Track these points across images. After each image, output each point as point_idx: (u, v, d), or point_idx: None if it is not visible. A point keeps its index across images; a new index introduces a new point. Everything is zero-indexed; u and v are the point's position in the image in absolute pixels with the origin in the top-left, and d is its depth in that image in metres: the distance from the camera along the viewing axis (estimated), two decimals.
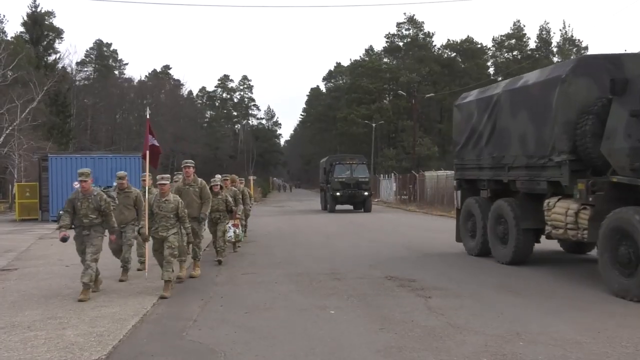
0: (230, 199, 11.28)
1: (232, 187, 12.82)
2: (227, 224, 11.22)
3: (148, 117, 10.17)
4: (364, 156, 35.22)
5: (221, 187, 11.22)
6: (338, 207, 29.73)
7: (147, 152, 9.67)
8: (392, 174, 43.44)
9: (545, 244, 11.29)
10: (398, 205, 35.91)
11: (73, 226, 8.08)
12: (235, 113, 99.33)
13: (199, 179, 9.96)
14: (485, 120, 11.19)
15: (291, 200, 48.78)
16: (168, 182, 8.48)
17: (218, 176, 12.24)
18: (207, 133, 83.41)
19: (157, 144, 10.08)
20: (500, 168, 10.71)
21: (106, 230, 8.24)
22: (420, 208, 30.76)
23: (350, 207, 30.23)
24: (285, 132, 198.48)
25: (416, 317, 6.59)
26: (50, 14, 54.69)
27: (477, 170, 11.68)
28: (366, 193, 29.20)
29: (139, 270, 9.63)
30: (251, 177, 25.10)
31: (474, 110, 11.74)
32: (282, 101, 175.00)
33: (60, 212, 8.54)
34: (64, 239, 7.94)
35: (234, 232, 11.75)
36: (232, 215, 11.45)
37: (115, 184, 10.16)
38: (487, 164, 11.19)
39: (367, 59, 76.12)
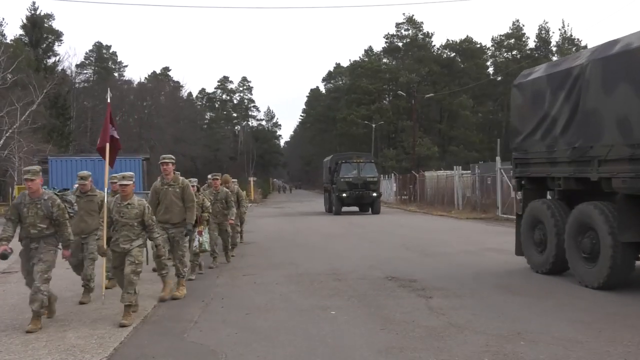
0: (208, 203, 9.92)
1: (225, 187, 11.69)
2: (193, 232, 9.18)
3: (109, 100, 8.51)
4: (371, 154, 34.48)
5: (198, 189, 9.99)
6: (344, 209, 27.66)
7: (107, 145, 7.93)
8: (392, 174, 43.48)
9: None
10: (398, 206, 35.96)
11: (19, 239, 6.57)
12: (235, 114, 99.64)
13: (181, 178, 8.54)
14: (562, 101, 8.78)
15: (291, 202, 48.72)
16: (131, 182, 6.91)
17: (209, 175, 11.76)
18: (207, 134, 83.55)
19: (117, 137, 8.23)
20: (585, 162, 8.29)
21: (60, 244, 6.63)
22: (421, 208, 30.81)
23: (356, 208, 28.49)
24: (285, 133, 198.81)
25: (417, 317, 6.59)
26: (49, 16, 55.03)
27: (549, 165, 9.24)
28: (374, 194, 27.23)
29: (107, 288, 8.08)
30: (251, 179, 25.01)
31: (545, 89, 9.28)
32: (282, 102, 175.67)
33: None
34: (4, 256, 6.32)
35: (199, 240, 9.53)
36: (199, 221, 9.37)
37: (76, 186, 8.22)
38: (564, 157, 8.76)
39: (366, 59, 76.24)
